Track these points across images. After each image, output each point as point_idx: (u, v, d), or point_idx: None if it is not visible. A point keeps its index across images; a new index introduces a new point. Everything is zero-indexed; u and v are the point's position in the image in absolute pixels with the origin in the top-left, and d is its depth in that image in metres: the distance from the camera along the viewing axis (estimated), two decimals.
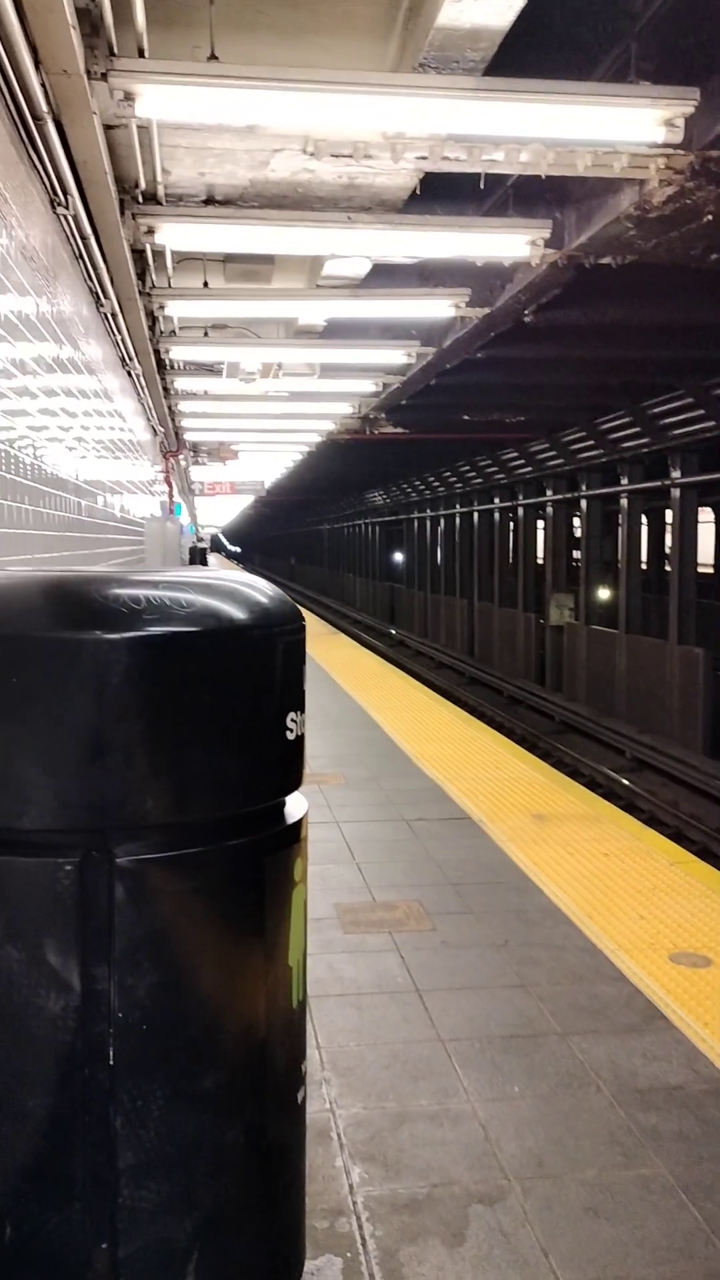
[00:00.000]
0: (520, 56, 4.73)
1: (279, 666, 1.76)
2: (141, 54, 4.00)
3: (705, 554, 18.47)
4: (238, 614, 1.71)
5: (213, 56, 4.26)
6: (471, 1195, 2.24)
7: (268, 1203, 1.74)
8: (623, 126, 4.47)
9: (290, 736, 1.78)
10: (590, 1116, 2.54)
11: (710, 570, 20.98)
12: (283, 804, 1.83)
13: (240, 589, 1.79)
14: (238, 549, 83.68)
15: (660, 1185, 2.27)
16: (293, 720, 1.79)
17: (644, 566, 17.22)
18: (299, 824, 1.83)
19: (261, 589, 1.85)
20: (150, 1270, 1.61)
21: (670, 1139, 2.44)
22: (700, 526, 15.41)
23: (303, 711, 1.84)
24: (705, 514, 18.93)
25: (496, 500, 22.48)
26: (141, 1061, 1.60)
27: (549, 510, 19.48)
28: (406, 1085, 2.68)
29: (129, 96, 4.01)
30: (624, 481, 16.20)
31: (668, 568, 16.28)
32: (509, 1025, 3.01)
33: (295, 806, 1.85)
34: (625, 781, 12.78)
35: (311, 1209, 2.15)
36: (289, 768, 1.80)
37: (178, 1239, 1.63)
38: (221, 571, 1.91)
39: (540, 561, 20.57)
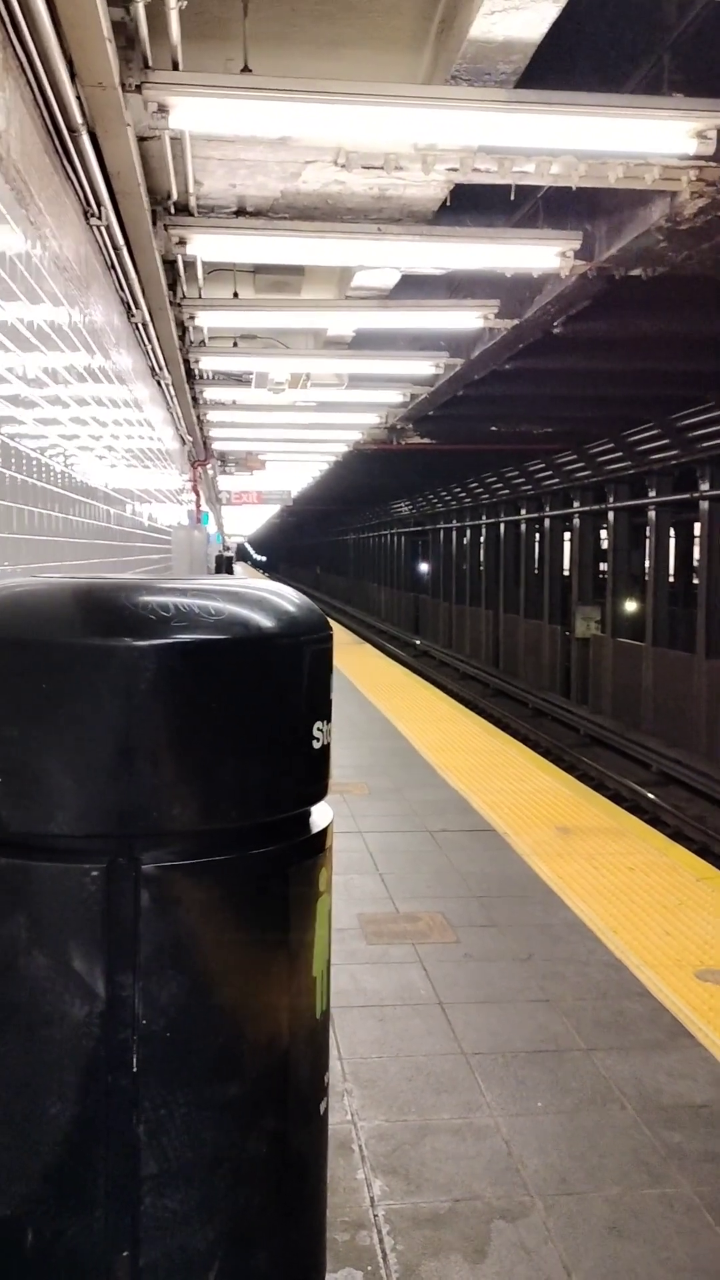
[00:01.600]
0: (552, 68, 4.73)
1: (306, 675, 1.76)
2: (176, 66, 4.03)
3: None
4: (266, 622, 1.71)
5: (246, 69, 4.29)
6: (494, 1211, 2.22)
7: (289, 1214, 1.73)
8: (654, 138, 4.46)
9: (316, 746, 1.78)
10: (614, 1134, 2.51)
11: None
12: (308, 813, 1.83)
13: (268, 597, 1.80)
14: (263, 558, 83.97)
15: (685, 1205, 2.25)
16: (319, 729, 1.79)
17: (671, 579, 17.11)
18: (324, 833, 1.83)
19: (289, 597, 1.85)
20: (170, 1279, 1.60)
21: (695, 1158, 2.41)
22: None
23: (329, 721, 1.84)
24: None
25: (523, 511, 22.44)
26: (164, 1069, 1.60)
27: (575, 522, 19.42)
28: (429, 1098, 2.66)
29: (163, 108, 4.05)
30: (652, 494, 16.13)
31: (695, 580, 16.17)
32: (533, 1040, 2.99)
33: (320, 816, 1.85)
34: (651, 796, 12.68)
35: (332, 1221, 2.14)
36: (315, 777, 1.79)
37: (198, 1248, 1.62)
38: (249, 580, 1.92)
39: (566, 573, 20.50)
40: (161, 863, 1.61)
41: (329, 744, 1.85)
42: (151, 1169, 1.59)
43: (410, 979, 3.41)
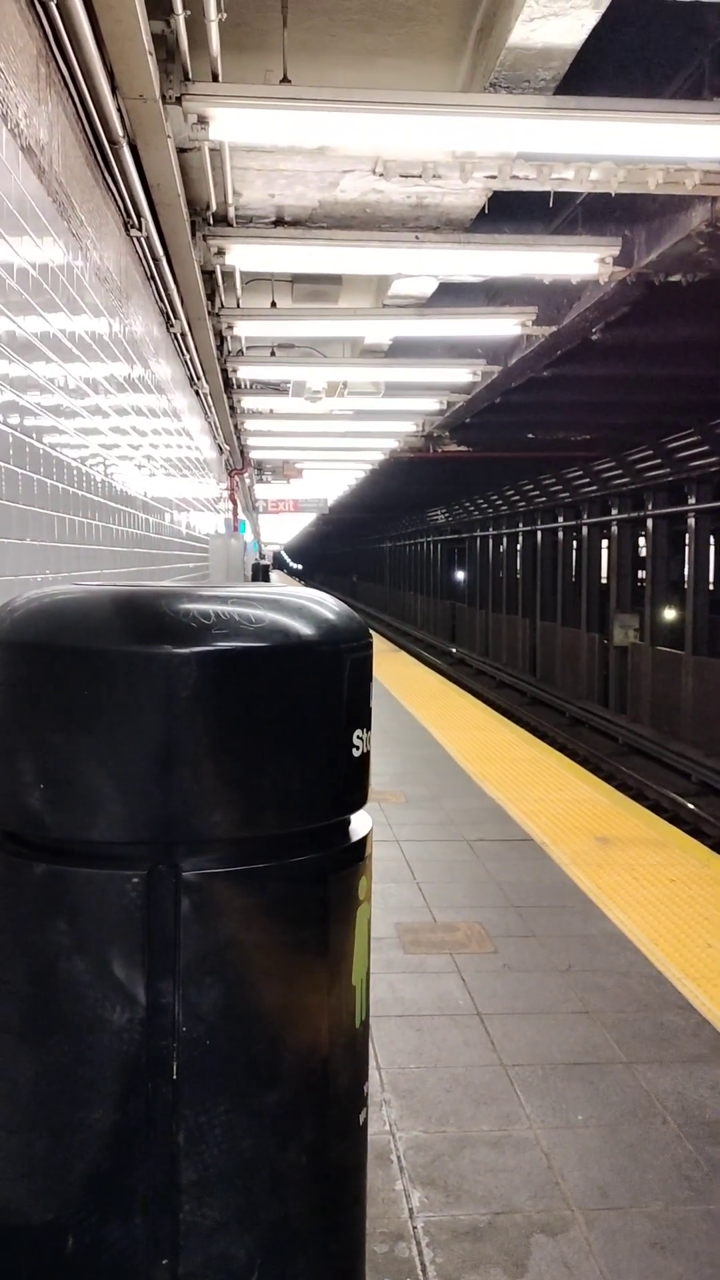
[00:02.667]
0: (592, 75, 4.71)
1: (346, 683, 1.75)
2: (215, 78, 4.07)
3: None
4: (306, 630, 1.71)
5: (285, 79, 4.31)
6: (534, 1225, 2.19)
7: (328, 1224, 1.73)
8: (694, 143, 4.43)
9: (356, 754, 1.78)
10: (656, 1148, 2.48)
11: None
12: (348, 821, 1.82)
13: (308, 605, 1.80)
14: (299, 566, 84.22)
15: None
16: (359, 737, 1.79)
17: (711, 587, 16.94)
18: (364, 841, 1.82)
19: (329, 605, 1.85)
20: None
21: None
22: None
23: (369, 729, 1.84)
24: None
25: (560, 519, 22.33)
26: (205, 1077, 1.60)
27: (614, 529, 19.29)
28: (468, 1109, 2.64)
29: (202, 120, 4.08)
30: (691, 500, 15.98)
31: None
32: (573, 1052, 2.96)
33: (360, 824, 1.84)
34: (691, 806, 12.54)
35: (371, 1232, 2.13)
36: (354, 785, 1.79)
37: (238, 1257, 1.62)
38: (289, 587, 1.92)
39: (604, 581, 20.36)
40: (202, 870, 1.61)
41: (368, 752, 1.85)
42: (191, 1176, 1.59)
43: (448, 989, 3.39)
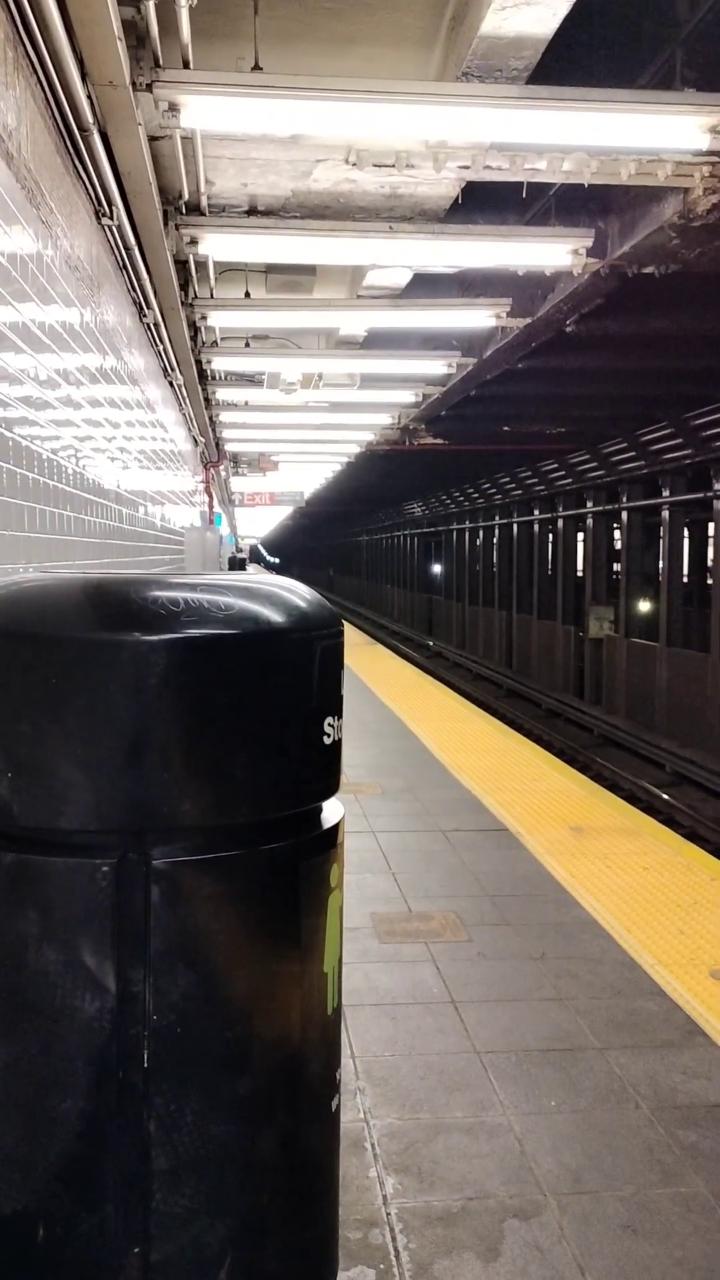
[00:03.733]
0: (564, 65, 4.72)
1: (317, 670, 1.75)
2: (186, 65, 4.04)
3: None
4: (276, 617, 1.71)
5: (257, 67, 4.29)
6: (507, 1210, 2.20)
7: (300, 1211, 1.73)
8: (666, 134, 4.44)
9: (327, 741, 1.78)
10: (628, 1133, 2.50)
11: None
12: (319, 809, 1.82)
13: (279, 593, 1.79)
14: (276, 560, 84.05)
15: (700, 1204, 2.23)
16: (330, 725, 1.78)
17: (685, 579, 17.04)
18: (336, 829, 1.82)
19: (300, 593, 1.84)
20: (182, 1275, 1.60)
21: (710, 1157, 2.39)
22: None
23: (340, 716, 1.84)
24: None
25: (536, 512, 22.39)
26: (176, 1065, 1.60)
27: (589, 522, 19.37)
28: (441, 1097, 2.65)
29: (173, 107, 4.05)
30: (665, 493, 16.06)
31: (710, 580, 16.10)
32: (546, 1039, 2.97)
33: (332, 811, 1.84)
34: (665, 796, 12.63)
35: (345, 1219, 2.13)
36: (326, 772, 1.79)
37: (210, 1244, 1.62)
38: (260, 575, 1.91)
39: (580, 574, 20.45)
40: (172, 858, 1.60)
41: (340, 739, 1.85)
42: (163, 1165, 1.59)
43: (423, 977, 3.40)
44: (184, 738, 1.60)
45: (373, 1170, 2.34)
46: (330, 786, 1.82)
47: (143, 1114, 1.58)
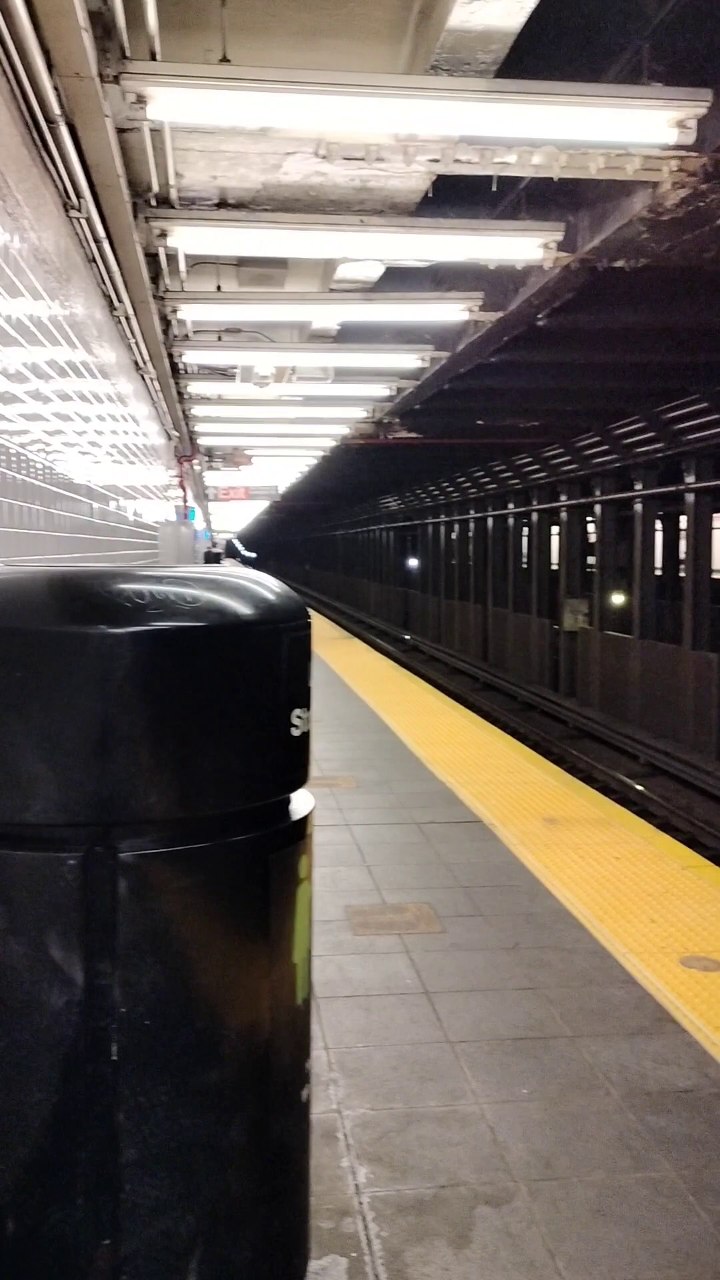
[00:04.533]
0: (532, 58, 4.72)
1: (284, 662, 1.76)
2: (154, 57, 4.02)
3: None
4: (243, 609, 1.71)
5: (225, 59, 4.27)
6: (478, 1197, 2.22)
7: (271, 1201, 1.73)
8: (635, 128, 4.46)
9: (295, 733, 1.78)
10: (599, 1119, 2.52)
11: None
12: (288, 800, 1.83)
13: (246, 585, 1.79)
14: (253, 554, 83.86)
15: (669, 1188, 2.25)
16: (298, 717, 1.79)
17: (659, 572, 17.15)
18: (304, 821, 1.82)
19: (268, 585, 1.85)
20: (152, 1266, 1.60)
21: (680, 1142, 2.42)
22: (715, 532, 15.35)
23: (308, 708, 1.84)
24: None
25: (511, 505, 22.45)
26: (144, 1057, 1.60)
27: (563, 515, 19.44)
28: (414, 1086, 2.67)
29: (141, 99, 4.03)
30: (638, 486, 16.15)
31: (682, 573, 16.21)
32: (518, 1027, 2.99)
33: (301, 803, 1.85)
34: (639, 787, 12.72)
35: (317, 1209, 2.14)
36: (294, 764, 1.79)
37: (180, 1235, 1.62)
38: (228, 568, 1.91)
39: (555, 567, 20.53)
40: (139, 851, 1.60)
41: (309, 731, 1.85)
42: (132, 1156, 1.59)
43: (397, 969, 3.42)
44: (150, 731, 1.60)
45: (345, 1160, 2.35)
46: (299, 778, 1.83)
47: (112, 1106, 1.59)
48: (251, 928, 1.70)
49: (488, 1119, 2.52)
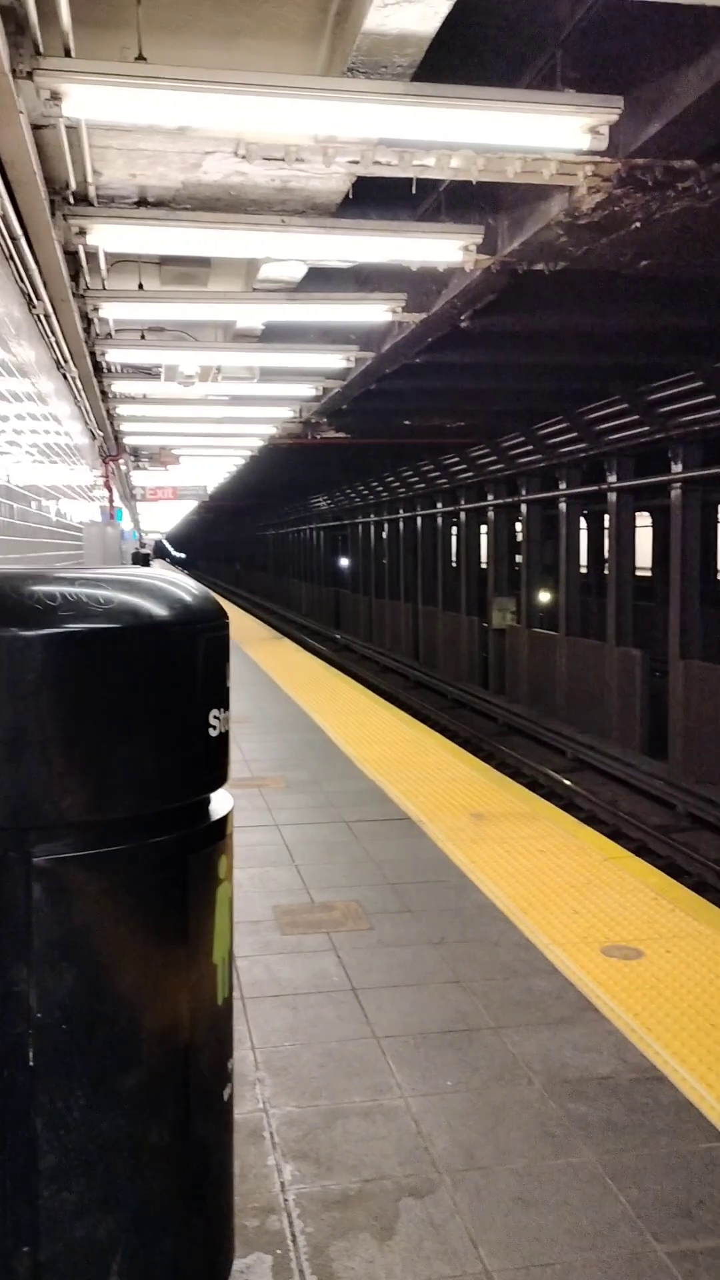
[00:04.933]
0: (450, 63, 4.77)
1: (201, 663, 1.76)
2: (68, 53, 3.97)
3: (643, 558, 18.76)
4: (158, 610, 1.71)
5: (140, 57, 4.24)
6: (402, 1189, 2.25)
7: (193, 1201, 1.74)
8: (550, 133, 4.53)
9: (213, 733, 1.78)
10: (521, 1108, 2.56)
11: (648, 574, 21.30)
12: (207, 801, 1.83)
13: (162, 586, 1.79)
14: (182, 555, 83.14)
15: (588, 1173, 2.31)
16: (215, 717, 1.79)
17: (583, 570, 17.42)
18: (224, 821, 1.83)
19: (185, 586, 1.85)
20: (73, 1272, 1.60)
21: (599, 1128, 2.48)
22: (637, 531, 15.65)
23: (227, 708, 1.84)
24: (642, 518, 19.25)
25: (439, 505, 22.61)
26: (62, 1062, 1.59)
27: (490, 514, 19.65)
28: (340, 1083, 2.68)
29: (56, 96, 3.98)
30: (562, 486, 16.39)
31: (606, 571, 16.49)
32: (444, 1021, 3.03)
33: (220, 804, 1.85)
34: (566, 781, 12.92)
35: (242, 1208, 2.15)
36: (212, 764, 1.80)
37: (100, 1240, 1.62)
38: (144, 570, 1.91)
39: (483, 565, 20.73)
40: (54, 855, 1.59)
41: (228, 731, 1.86)
42: (50, 1162, 1.59)
43: (324, 967, 3.43)
44: (63, 733, 1.59)
45: (271, 1158, 2.36)
46: (218, 778, 1.83)
47: (29, 1112, 1.58)
48: (170, 929, 1.70)
49: (413, 1112, 2.54)
